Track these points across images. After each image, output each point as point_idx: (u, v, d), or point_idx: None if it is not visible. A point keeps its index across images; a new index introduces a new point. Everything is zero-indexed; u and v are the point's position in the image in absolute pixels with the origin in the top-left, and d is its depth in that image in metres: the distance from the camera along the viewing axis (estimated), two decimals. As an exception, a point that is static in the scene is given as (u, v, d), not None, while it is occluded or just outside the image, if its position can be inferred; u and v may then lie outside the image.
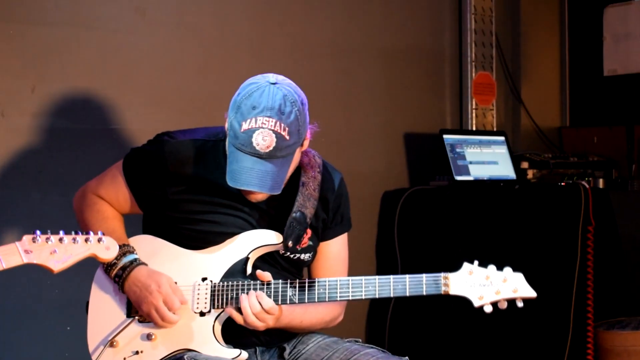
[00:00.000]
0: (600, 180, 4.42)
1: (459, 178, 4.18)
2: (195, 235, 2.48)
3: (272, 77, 2.37)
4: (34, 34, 3.38)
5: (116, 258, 2.42)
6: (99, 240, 2.12)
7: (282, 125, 2.30)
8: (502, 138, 4.43)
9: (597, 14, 4.74)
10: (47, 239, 2.06)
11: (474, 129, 4.65)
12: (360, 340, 2.59)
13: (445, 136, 4.24)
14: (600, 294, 4.02)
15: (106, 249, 2.13)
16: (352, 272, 2.58)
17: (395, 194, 4.37)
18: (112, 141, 3.55)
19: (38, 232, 2.06)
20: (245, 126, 2.30)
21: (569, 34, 5.07)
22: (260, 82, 2.35)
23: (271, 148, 2.30)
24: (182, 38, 3.76)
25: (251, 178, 2.30)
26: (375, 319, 4.38)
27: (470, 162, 4.26)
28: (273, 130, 2.29)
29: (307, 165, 2.53)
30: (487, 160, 4.32)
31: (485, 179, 4.25)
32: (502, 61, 4.85)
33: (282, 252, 2.51)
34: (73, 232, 2.12)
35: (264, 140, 2.29)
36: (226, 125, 2.37)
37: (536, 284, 2.40)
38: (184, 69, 3.77)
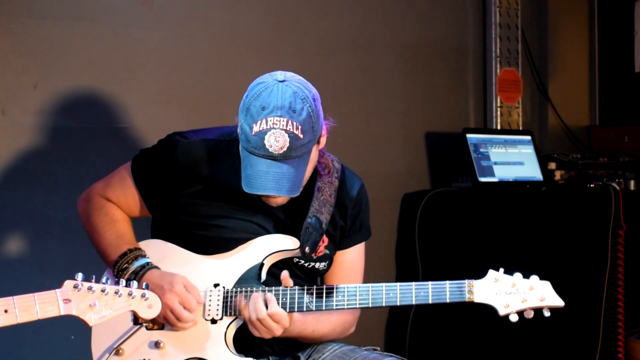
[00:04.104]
0: (632, 182, 4.37)
1: (483, 179, 4.15)
2: (207, 241, 2.46)
3: (280, 74, 2.35)
4: (36, 28, 3.35)
5: (127, 262, 2.41)
6: (143, 296, 2.10)
7: (295, 123, 2.27)
8: (528, 137, 4.41)
9: (628, 8, 4.81)
10: (90, 288, 2.03)
11: (498, 128, 4.65)
12: (379, 348, 2.56)
13: (468, 135, 4.21)
14: (631, 301, 3.98)
15: (148, 307, 2.11)
16: (370, 277, 2.56)
17: (416, 196, 4.36)
18: (118, 141, 3.53)
19: (80, 276, 2.02)
20: (256, 128, 2.27)
21: (598, 29, 5.12)
22: (268, 81, 2.32)
23: (285, 148, 2.26)
24: (191, 32, 3.75)
25: (267, 182, 2.27)
26: (395, 327, 4.36)
27: (495, 163, 4.23)
28: (285, 130, 2.26)
29: (323, 170, 2.52)
30: (513, 160, 4.29)
31: (510, 180, 4.22)
32: (528, 57, 4.84)
33: (296, 260, 2.49)
34: (114, 282, 2.09)
35: (276, 141, 2.25)
36: (238, 130, 2.35)
37: (564, 290, 2.40)
38: (194, 64, 3.75)
